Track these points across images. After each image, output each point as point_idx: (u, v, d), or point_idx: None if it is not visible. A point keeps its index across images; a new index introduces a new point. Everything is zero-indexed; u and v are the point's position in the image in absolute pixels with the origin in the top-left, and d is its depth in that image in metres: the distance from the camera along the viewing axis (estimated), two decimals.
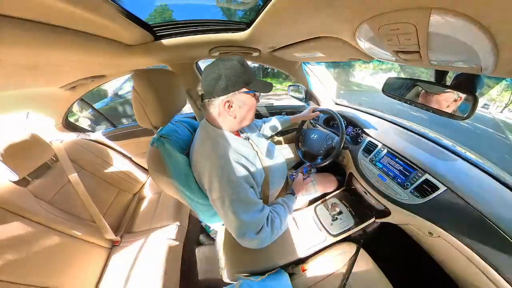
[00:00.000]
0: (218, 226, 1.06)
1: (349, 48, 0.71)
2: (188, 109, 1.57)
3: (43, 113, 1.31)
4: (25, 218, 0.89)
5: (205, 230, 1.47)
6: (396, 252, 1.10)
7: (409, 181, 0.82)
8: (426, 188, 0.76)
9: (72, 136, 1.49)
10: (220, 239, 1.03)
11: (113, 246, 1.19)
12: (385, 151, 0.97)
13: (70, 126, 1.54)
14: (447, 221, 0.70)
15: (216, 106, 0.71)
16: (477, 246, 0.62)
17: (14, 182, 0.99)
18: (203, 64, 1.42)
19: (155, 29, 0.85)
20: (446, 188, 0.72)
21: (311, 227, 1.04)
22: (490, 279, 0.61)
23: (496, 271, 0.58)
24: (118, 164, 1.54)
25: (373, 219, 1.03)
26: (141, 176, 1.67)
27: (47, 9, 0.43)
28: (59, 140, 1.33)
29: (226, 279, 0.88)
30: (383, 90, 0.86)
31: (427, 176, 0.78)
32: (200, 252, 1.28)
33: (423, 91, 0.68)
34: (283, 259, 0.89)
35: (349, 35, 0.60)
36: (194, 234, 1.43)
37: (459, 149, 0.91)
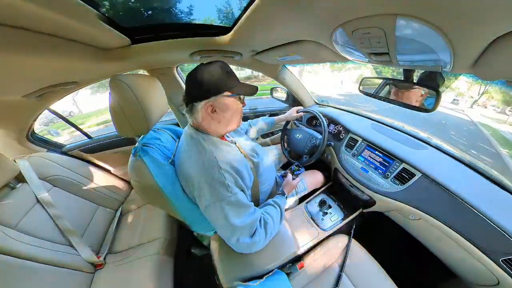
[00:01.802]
0: (210, 234, 1.04)
1: (327, 51, 0.75)
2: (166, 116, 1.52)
3: (4, 127, 1.17)
4: None
5: (197, 241, 1.42)
6: (385, 238, 1.17)
7: (389, 171, 0.89)
8: (404, 175, 0.84)
9: (39, 151, 1.34)
10: (214, 247, 1.00)
11: (96, 270, 1.08)
12: (365, 145, 1.05)
13: (37, 140, 1.38)
14: (424, 203, 0.77)
15: (200, 111, 0.70)
16: (451, 222, 0.70)
17: None
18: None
19: (131, 32, 0.81)
20: (421, 174, 0.80)
21: (303, 224, 1.06)
22: (465, 249, 0.68)
23: (468, 240, 0.66)
24: (96, 179, 1.41)
25: (360, 210, 1.09)
26: (122, 189, 1.55)
27: (5, 9, 0.39)
28: (24, 156, 1.19)
29: (222, 286, 0.86)
30: (359, 89, 0.94)
31: (404, 165, 0.86)
32: (194, 264, 1.23)
33: (394, 88, 0.75)
34: (279, 260, 0.90)
35: (326, 39, 0.64)
36: (185, 247, 1.37)
37: (427, 137, 1.02)
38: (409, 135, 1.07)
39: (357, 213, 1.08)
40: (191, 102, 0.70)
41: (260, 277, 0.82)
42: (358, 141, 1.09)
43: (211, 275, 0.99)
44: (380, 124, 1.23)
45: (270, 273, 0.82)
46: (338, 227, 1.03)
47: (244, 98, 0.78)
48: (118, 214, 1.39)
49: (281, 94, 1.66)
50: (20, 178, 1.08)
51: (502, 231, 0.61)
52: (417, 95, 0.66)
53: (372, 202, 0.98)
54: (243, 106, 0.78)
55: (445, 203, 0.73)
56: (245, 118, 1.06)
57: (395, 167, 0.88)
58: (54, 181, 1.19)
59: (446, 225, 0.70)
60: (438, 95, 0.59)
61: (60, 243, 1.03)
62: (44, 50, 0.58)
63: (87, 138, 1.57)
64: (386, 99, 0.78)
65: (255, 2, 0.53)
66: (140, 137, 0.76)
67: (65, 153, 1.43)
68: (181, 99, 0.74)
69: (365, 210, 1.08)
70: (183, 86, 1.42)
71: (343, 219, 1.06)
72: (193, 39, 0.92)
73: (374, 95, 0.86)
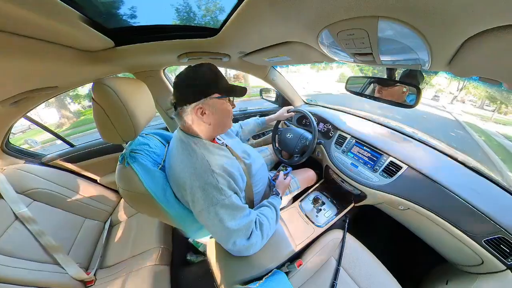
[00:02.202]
0: (206, 240, 1.02)
1: (314, 51, 0.78)
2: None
3: None
4: None
5: (192, 247, 1.38)
6: (378, 230, 1.22)
7: (378, 165, 0.93)
8: (392, 169, 0.88)
9: (16, 162, 1.25)
10: (210, 252, 0.99)
11: (87, 287, 1.02)
12: (353, 141, 1.09)
13: (13, 150, 1.28)
14: (412, 193, 0.82)
15: (189, 114, 0.69)
16: (437, 209, 0.75)
17: None
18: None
19: (115, 33, 0.78)
20: (407, 166, 0.85)
21: (298, 222, 1.08)
22: (451, 233, 0.73)
23: (454, 225, 0.71)
24: (81, 190, 1.33)
25: (352, 204, 1.12)
26: (110, 199, 1.48)
27: None
28: None
29: None
30: (346, 88, 0.97)
31: (391, 158, 0.90)
32: (191, 272, 1.20)
33: (378, 86, 0.79)
34: (277, 260, 0.90)
35: (312, 40, 0.66)
36: (181, 254, 1.33)
37: (412, 131, 1.08)
38: (394, 130, 1.13)
39: (349, 207, 1.12)
40: (180, 106, 0.69)
41: (259, 278, 0.82)
42: (347, 138, 1.13)
43: (209, 281, 0.97)
44: (366, 120, 1.28)
45: (269, 274, 0.83)
46: (332, 222, 1.06)
47: (233, 99, 0.78)
48: (107, 226, 1.33)
49: (270, 96, 1.68)
50: None
51: (483, 214, 0.67)
52: (399, 92, 0.70)
53: (363, 196, 1.01)
54: (233, 108, 0.78)
55: (430, 192, 0.78)
56: (235, 120, 1.06)
57: (383, 161, 0.92)
58: (34, 194, 1.11)
59: (432, 213, 0.75)
60: (418, 92, 0.63)
61: (44, 262, 0.96)
62: (19, 53, 0.54)
63: (69, 146, 1.48)
64: (371, 97, 0.82)
65: (243, 4, 0.53)
66: (128, 143, 0.74)
67: (45, 164, 1.34)
68: (169, 102, 0.72)
69: (357, 204, 1.12)
70: (171, 89, 1.39)
71: (336, 214, 1.09)
72: (180, 41, 0.90)
73: (360, 93, 0.90)
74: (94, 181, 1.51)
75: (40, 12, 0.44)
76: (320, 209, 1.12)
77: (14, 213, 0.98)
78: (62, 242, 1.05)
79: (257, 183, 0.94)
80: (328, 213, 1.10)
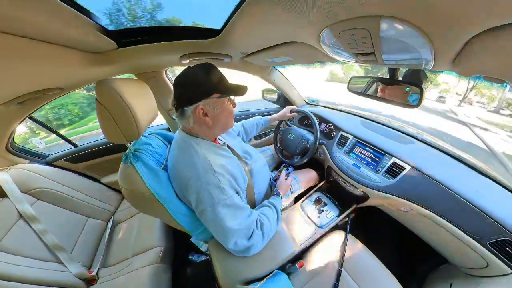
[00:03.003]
0: (208, 239, 1.02)
1: (316, 51, 0.77)
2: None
3: None
4: None
5: (194, 247, 1.38)
6: (380, 231, 1.21)
7: (380, 166, 0.92)
8: (395, 169, 0.87)
9: (21, 162, 1.26)
10: (212, 252, 0.99)
11: (90, 286, 1.02)
12: (355, 142, 1.08)
13: (18, 150, 1.30)
14: (415, 195, 0.81)
15: (190, 114, 0.69)
16: (441, 210, 0.74)
17: None
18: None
19: (118, 35, 0.79)
20: (410, 167, 0.84)
21: (300, 223, 1.07)
22: (455, 235, 0.72)
23: (458, 227, 0.70)
24: (84, 189, 1.35)
25: (354, 205, 1.11)
26: (113, 198, 1.49)
27: None
28: (4, 168, 1.12)
29: None
30: (348, 88, 0.97)
31: (394, 159, 0.89)
32: (192, 272, 1.20)
33: (380, 86, 0.78)
34: (279, 260, 0.90)
35: (314, 40, 0.66)
36: (183, 254, 1.33)
37: (415, 132, 1.07)
38: (396, 130, 1.12)
39: (351, 208, 1.11)
40: (181, 107, 0.69)
41: (260, 279, 0.81)
42: (349, 138, 1.12)
43: (210, 281, 0.97)
44: (369, 121, 1.27)
45: (271, 275, 0.82)
46: (334, 223, 1.05)
47: (234, 99, 0.77)
48: (109, 225, 1.33)
49: (272, 97, 1.68)
50: (0, 193, 1.01)
51: (489, 216, 0.65)
52: (402, 92, 0.69)
53: (365, 197, 1.01)
54: (233, 107, 0.78)
55: (434, 193, 0.76)
56: (237, 120, 1.06)
57: (385, 161, 0.92)
58: (38, 194, 1.12)
59: (436, 214, 0.74)
60: (421, 92, 0.62)
61: (48, 261, 0.97)
62: (25, 55, 0.55)
63: (72, 146, 1.49)
64: (373, 97, 0.82)
65: (244, 4, 0.53)
66: (132, 143, 0.74)
67: (49, 164, 1.36)
68: (171, 103, 0.73)
69: (359, 205, 1.11)
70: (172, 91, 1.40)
71: (338, 215, 1.08)
72: (182, 42, 0.90)
73: (362, 94, 0.89)
74: (97, 180, 1.52)
75: (45, 15, 0.45)
76: (322, 210, 1.11)
77: (18, 211, 1.00)
78: (65, 241, 1.06)
79: (259, 183, 0.94)
80: (330, 214, 1.09)
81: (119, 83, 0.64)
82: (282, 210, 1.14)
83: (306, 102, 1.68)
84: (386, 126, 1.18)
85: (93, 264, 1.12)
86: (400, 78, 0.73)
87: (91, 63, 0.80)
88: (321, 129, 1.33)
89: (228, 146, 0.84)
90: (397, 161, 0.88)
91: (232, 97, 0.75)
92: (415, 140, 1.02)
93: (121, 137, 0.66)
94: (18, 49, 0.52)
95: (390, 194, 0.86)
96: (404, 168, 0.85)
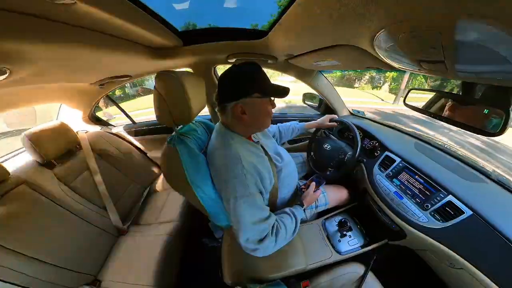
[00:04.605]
0: (224, 227, 1.05)
1: (368, 56, 0.69)
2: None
3: (73, 106, 1.44)
4: (46, 197, 0.98)
5: (210, 231, 1.46)
6: (409, 281, 0.99)
7: (430, 202, 0.75)
8: (449, 211, 0.69)
9: (96, 128, 1.61)
10: (224, 241, 1.01)
11: (120, 235, 1.23)
12: (403, 166, 0.91)
13: (95, 119, 1.67)
14: (473, 251, 0.61)
15: (229, 110, 0.72)
16: (505, 282, 0.54)
17: (42, 164, 1.09)
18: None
19: (184, 35, 0.91)
20: (472, 212, 0.65)
21: (317, 241, 0.98)
22: None
23: None
24: (134, 158, 1.61)
25: (385, 241, 0.94)
26: (153, 171, 1.73)
27: (78, 13, 0.47)
28: (84, 131, 1.44)
29: (225, 280, 0.86)
30: (404, 102, 0.82)
31: (450, 197, 0.70)
32: (202, 254, 1.28)
33: (449, 104, 0.63)
34: (285, 271, 0.85)
35: (367, 43, 0.59)
36: (197, 235, 1.43)
37: (492, 169, 0.82)
38: (463, 162, 0.88)
39: (381, 243, 0.94)
40: (222, 102, 0.73)
41: (261, 282, 0.79)
42: (395, 161, 0.95)
43: (215, 267, 1.00)
44: (426, 144, 1.04)
45: (272, 283, 0.78)
46: (355, 253, 0.91)
47: (274, 100, 0.77)
48: (146, 192, 1.55)
49: (313, 102, 1.59)
50: (79, 148, 1.31)
51: None
52: (478, 114, 0.53)
53: (401, 235, 0.83)
54: (272, 108, 0.78)
55: (500, 255, 0.56)
56: (274, 122, 1.05)
57: (439, 198, 0.73)
58: (102, 154, 1.41)
59: (497, 285, 0.54)
60: (507, 116, 0.46)
61: (97, 205, 1.22)
62: (107, 49, 0.70)
63: (132, 122, 1.81)
64: (437, 116, 0.66)
65: (292, 6, 0.52)
66: (179, 127, 0.83)
67: (113, 133, 1.68)
68: (214, 97, 0.78)
69: (390, 242, 0.93)
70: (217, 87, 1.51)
71: (363, 246, 0.94)
72: (231, 42, 0.97)
73: (423, 110, 0.74)
74: (144, 154, 1.79)
75: (125, 18, 0.55)
76: (345, 235, 0.98)
77: (87, 164, 1.27)
78: (112, 195, 1.29)
79: (285, 188, 0.91)
80: (353, 242, 0.95)
81: (181, 75, 0.72)
82: (302, 222, 1.07)
83: (351, 113, 1.52)
84: (449, 154, 0.94)
85: (126, 219, 1.33)
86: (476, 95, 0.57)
87: (157, 57, 0.96)
88: (363, 145, 1.18)
89: (261, 146, 0.84)
90: (456, 201, 0.69)
91: (272, 98, 0.75)
92: (487, 179, 0.77)
93: (170, 121, 0.75)
94: (103, 44, 0.65)
95: (437, 241, 0.68)
96: (463, 213, 0.66)
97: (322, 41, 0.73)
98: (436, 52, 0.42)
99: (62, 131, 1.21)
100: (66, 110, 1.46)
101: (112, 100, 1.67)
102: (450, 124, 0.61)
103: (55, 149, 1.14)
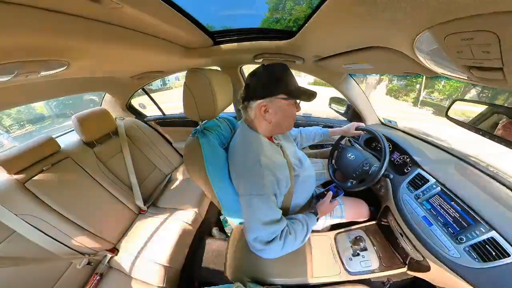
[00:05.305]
0: (235, 223, 1.06)
1: (405, 60, 0.61)
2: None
3: (114, 95, 1.63)
4: (84, 170, 1.17)
5: (220, 224, 1.51)
6: None
7: (466, 235, 0.63)
8: (490, 249, 0.57)
9: (131, 117, 1.79)
10: (233, 237, 1.03)
11: (140, 213, 1.38)
12: (438, 189, 0.78)
13: (131, 108, 1.86)
14: None
15: (253, 109, 0.73)
16: None
17: (85, 143, 1.29)
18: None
19: (215, 35, 0.95)
20: None
21: (326, 255, 0.92)
22: None
23: None
24: (160, 146, 1.77)
25: (404, 269, 0.83)
26: (176, 160, 1.87)
27: (124, 16, 0.52)
28: (121, 118, 1.64)
29: (227, 274, 0.88)
30: (446, 114, 0.71)
31: (494, 234, 0.58)
32: (210, 243, 1.32)
33: (505, 121, 0.52)
34: (287, 280, 0.82)
35: (406, 45, 0.52)
36: (208, 226, 1.49)
37: None
38: None
39: (397, 271, 0.84)
40: (246, 100, 0.74)
41: (262, 283, 0.78)
42: (429, 181, 0.83)
43: (220, 259, 1.03)
44: (469, 166, 0.89)
45: (272, 287, 0.77)
46: (366, 276, 0.83)
47: (299, 103, 0.76)
48: (167, 178, 1.69)
49: (340, 107, 1.50)
50: (116, 132, 1.48)
51: None
52: None
53: (424, 266, 0.72)
54: (297, 111, 0.76)
55: None
56: (296, 125, 1.02)
57: (478, 233, 0.61)
58: (134, 140, 1.58)
59: None
60: None
61: (125, 184, 1.38)
62: (144, 46, 0.77)
63: (162, 114, 1.97)
64: (487, 134, 0.56)
65: (324, 6, 0.49)
66: (204, 122, 0.87)
67: (145, 122, 1.86)
68: (239, 95, 0.79)
69: (410, 272, 0.82)
70: (243, 84, 1.53)
71: (376, 271, 0.84)
72: (259, 42, 0.97)
73: (469, 126, 0.63)
74: (170, 143, 1.95)
75: (163, 19, 0.60)
76: (358, 254, 0.90)
77: (121, 147, 1.45)
78: (138, 177, 1.44)
79: (300, 193, 0.88)
80: (366, 264, 0.87)
81: (210, 72, 0.76)
82: (313, 231, 1.02)
83: (381, 122, 1.38)
84: (497, 180, 0.78)
85: (147, 200, 1.47)
86: None
87: (189, 55, 1.02)
88: (392, 158, 1.06)
89: (281, 148, 0.83)
90: (500, 239, 0.56)
91: (297, 101, 0.74)
92: None
93: (196, 115, 0.79)
94: (143, 43, 0.72)
95: (468, 282, 0.57)
96: (509, 255, 0.54)
97: (355, 42, 0.68)
98: (492, 57, 0.35)
99: (104, 116, 1.40)
100: (108, 98, 1.66)
101: (146, 92, 1.84)
102: (503, 145, 0.51)
103: (96, 131, 1.33)
